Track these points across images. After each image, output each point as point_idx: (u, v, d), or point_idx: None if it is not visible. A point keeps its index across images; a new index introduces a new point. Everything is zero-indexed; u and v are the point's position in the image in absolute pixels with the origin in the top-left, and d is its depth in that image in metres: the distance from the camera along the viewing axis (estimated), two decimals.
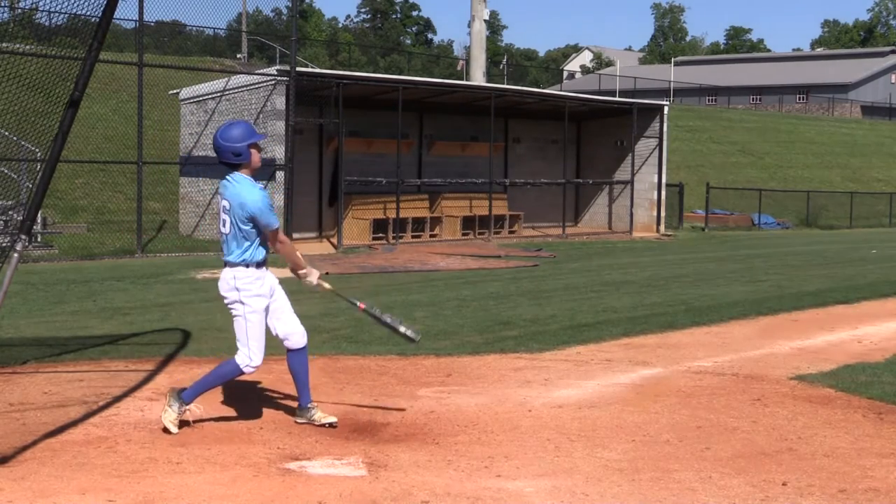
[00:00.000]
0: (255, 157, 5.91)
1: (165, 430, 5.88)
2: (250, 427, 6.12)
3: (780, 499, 4.92)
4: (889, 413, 6.71)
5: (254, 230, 5.83)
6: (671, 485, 5.10)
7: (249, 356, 5.93)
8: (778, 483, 5.14)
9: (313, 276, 6.13)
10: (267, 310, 6.01)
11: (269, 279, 6.01)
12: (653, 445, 5.85)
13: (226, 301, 5.96)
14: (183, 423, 5.95)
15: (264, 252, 5.95)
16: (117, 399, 6.77)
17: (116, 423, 6.17)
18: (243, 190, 5.80)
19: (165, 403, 5.96)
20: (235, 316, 5.95)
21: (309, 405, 6.16)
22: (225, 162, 5.87)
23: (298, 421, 6.18)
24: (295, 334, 6.09)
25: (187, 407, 5.95)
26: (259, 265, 5.91)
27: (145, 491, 4.85)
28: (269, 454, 5.53)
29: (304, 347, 6.13)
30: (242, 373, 5.98)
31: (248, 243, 5.85)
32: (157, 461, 5.36)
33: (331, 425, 6.05)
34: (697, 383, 7.63)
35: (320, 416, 6.13)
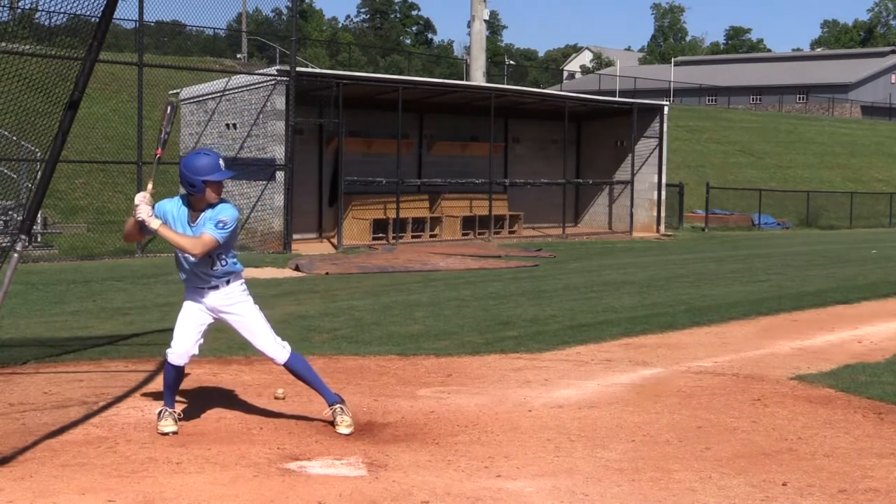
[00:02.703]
0: (210, 195, 5.78)
1: (164, 434, 5.87)
2: (250, 427, 6.12)
3: (780, 499, 4.92)
4: (889, 413, 6.71)
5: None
6: (671, 485, 5.10)
7: (171, 343, 6.00)
8: (778, 483, 5.14)
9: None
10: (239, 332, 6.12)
11: (203, 299, 5.97)
12: (653, 445, 5.85)
13: None
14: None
15: (181, 271, 6.00)
16: (117, 399, 6.77)
17: (116, 423, 6.17)
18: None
19: (157, 423, 5.98)
20: None
21: (334, 405, 6.09)
22: (183, 187, 5.84)
23: (326, 415, 6.17)
24: (272, 357, 6.08)
25: (171, 410, 5.98)
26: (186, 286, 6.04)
27: (145, 491, 4.85)
28: (269, 454, 5.53)
29: (288, 360, 6.09)
30: (169, 363, 5.99)
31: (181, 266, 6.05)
32: (157, 461, 5.36)
33: (344, 435, 5.99)
34: (697, 383, 7.63)
35: (340, 420, 6.04)
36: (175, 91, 23.12)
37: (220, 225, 5.78)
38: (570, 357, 8.69)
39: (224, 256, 5.91)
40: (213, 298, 5.96)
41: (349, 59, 70.92)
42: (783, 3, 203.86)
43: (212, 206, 5.84)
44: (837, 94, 72.55)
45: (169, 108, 6.09)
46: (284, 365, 6.11)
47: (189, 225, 5.84)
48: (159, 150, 6.02)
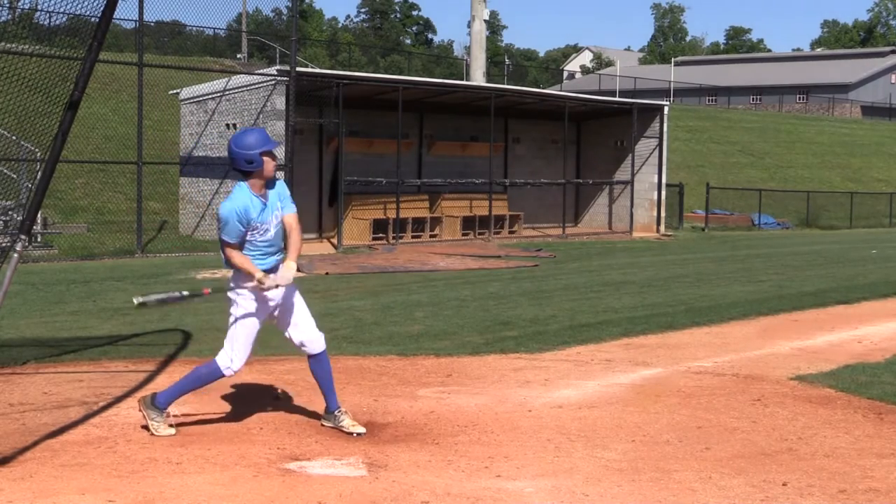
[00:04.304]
0: (269, 165, 5.77)
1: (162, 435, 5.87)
2: (250, 427, 6.12)
3: (780, 499, 4.92)
4: (889, 413, 6.71)
5: (246, 240, 5.78)
6: (671, 485, 5.10)
7: (231, 358, 5.87)
8: (778, 483, 5.14)
9: (271, 281, 5.76)
10: (278, 317, 5.98)
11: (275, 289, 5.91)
12: (653, 445, 5.85)
13: (227, 302, 5.95)
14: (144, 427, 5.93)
15: (267, 261, 5.85)
16: (117, 399, 6.76)
17: (116, 423, 6.17)
18: (228, 198, 5.81)
19: (146, 419, 5.89)
20: (229, 316, 5.91)
21: (336, 411, 6.08)
22: (238, 169, 5.80)
23: (325, 424, 6.12)
24: (312, 341, 6.00)
25: (167, 411, 5.93)
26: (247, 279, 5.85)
27: (145, 491, 4.85)
28: (269, 454, 5.53)
29: (322, 352, 6.05)
30: (223, 375, 5.92)
31: (249, 250, 5.82)
32: (157, 461, 5.36)
33: (359, 435, 5.96)
34: (697, 383, 7.63)
35: (349, 423, 6.03)
36: (175, 91, 23.12)
37: (292, 199, 5.95)
38: (570, 357, 8.69)
39: None
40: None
41: (349, 59, 70.92)
42: (783, 3, 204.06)
43: (270, 183, 5.84)
44: (837, 94, 72.55)
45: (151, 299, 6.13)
46: (317, 355, 6.02)
47: (264, 205, 5.78)
48: (207, 290, 6.18)
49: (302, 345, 6.03)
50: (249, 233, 5.74)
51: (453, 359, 8.51)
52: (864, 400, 7.07)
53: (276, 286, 5.72)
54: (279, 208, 5.85)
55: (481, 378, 7.72)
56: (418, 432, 6.06)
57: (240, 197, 5.73)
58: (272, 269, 5.84)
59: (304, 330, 5.99)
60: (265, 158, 5.75)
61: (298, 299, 6.02)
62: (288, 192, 5.96)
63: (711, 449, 5.78)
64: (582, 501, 4.85)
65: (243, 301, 5.85)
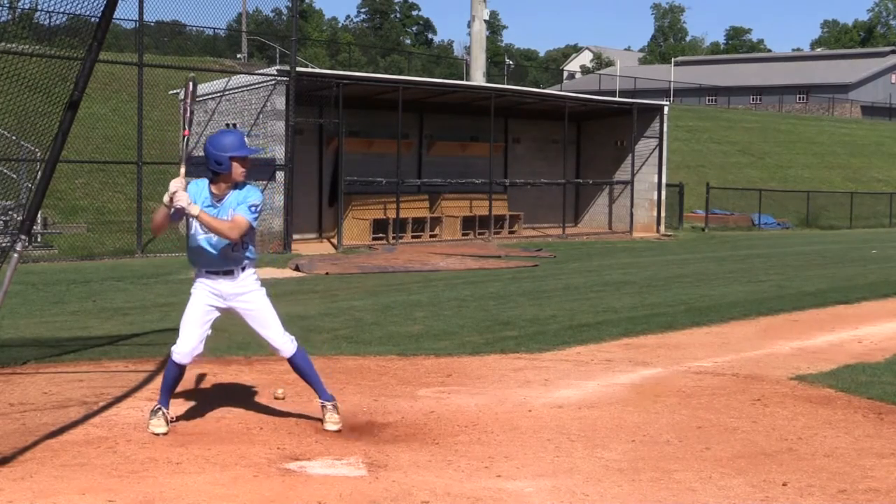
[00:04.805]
0: (237, 170, 5.80)
1: (155, 434, 5.88)
2: (250, 427, 6.12)
3: (780, 499, 4.92)
4: (889, 413, 6.71)
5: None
6: (671, 485, 5.10)
7: (177, 341, 5.96)
8: (778, 483, 5.14)
9: (177, 186, 5.70)
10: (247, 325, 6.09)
11: (217, 285, 5.92)
12: (653, 445, 5.85)
13: None
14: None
15: (194, 259, 5.94)
16: (117, 399, 6.76)
17: (116, 423, 6.17)
18: None
19: (148, 421, 5.99)
20: None
21: (326, 403, 6.11)
22: (208, 167, 5.83)
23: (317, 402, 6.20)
24: (279, 349, 6.06)
25: (165, 410, 5.98)
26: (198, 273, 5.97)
27: (145, 491, 4.85)
28: (269, 454, 5.53)
29: (295, 353, 6.08)
30: (175, 362, 5.96)
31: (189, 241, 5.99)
32: (157, 461, 5.36)
33: (335, 432, 5.98)
34: (697, 383, 7.63)
35: (328, 417, 6.07)
36: (175, 91, 23.09)
37: (253, 208, 5.83)
38: (570, 357, 8.69)
39: (248, 241, 5.92)
40: (226, 285, 5.92)
41: (349, 59, 70.91)
42: (783, 3, 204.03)
43: (237, 187, 5.85)
44: (837, 94, 72.53)
45: (191, 84, 6.01)
46: (290, 359, 6.08)
47: (214, 206, 5.82)
48: (186, 130, 5.97)
49: (273, 351, 6.13)
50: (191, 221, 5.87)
51: (453, 359, 8.51)
52: (864, 400, 7.07)
53: (173, 193, 5.64)
54: (230, 215, 5.80)
55: (481, 378, 7.72)
56: (418, 432, 6.06)
57: (197, 184, 5.89)
58: (209, 269, 5.91)
59: (268, 338, 6.04)
60: (234, 164, 5.79)
61: (262, 308, 6.01)
62: (253, 202, 5.81)
63: (711, 449, 5.78)
64: (582, 501, 4.85)
65: (193, 289, 6.00)
